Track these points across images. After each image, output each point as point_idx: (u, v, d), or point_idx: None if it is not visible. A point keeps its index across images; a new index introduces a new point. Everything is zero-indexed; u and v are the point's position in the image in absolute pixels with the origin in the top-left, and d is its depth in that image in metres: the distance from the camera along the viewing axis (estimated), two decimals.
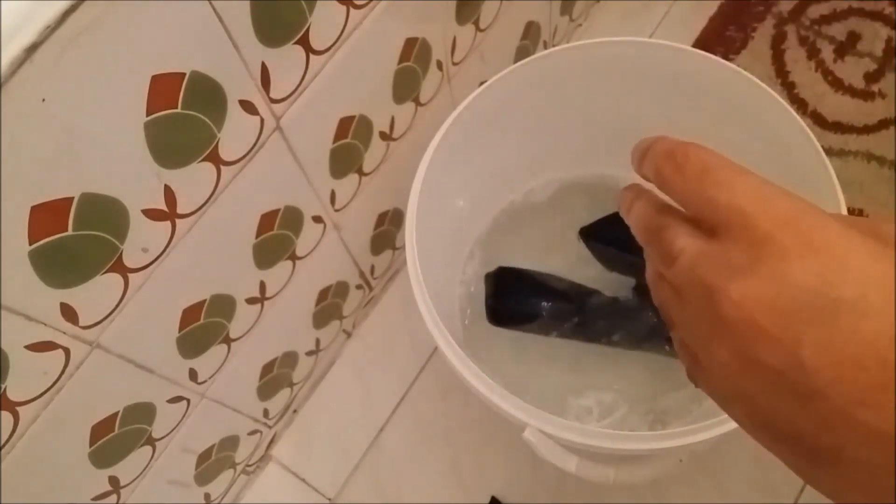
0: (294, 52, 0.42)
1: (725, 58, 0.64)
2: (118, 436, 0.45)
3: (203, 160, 0.40)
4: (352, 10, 0.45)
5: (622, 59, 0.56)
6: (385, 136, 0.57)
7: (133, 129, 0.35)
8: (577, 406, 0.61)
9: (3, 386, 0.35)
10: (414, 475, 0.69)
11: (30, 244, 0.33)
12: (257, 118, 0.42)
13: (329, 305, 0.65)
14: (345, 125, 0.51)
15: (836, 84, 0.81)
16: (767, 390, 0.22)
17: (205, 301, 0.47)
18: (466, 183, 0.61)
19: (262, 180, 0.46)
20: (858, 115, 0.79)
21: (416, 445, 0.70)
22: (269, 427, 0.67)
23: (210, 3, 0.35)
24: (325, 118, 0.49)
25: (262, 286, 0.53)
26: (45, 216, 0.33)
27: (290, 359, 0.64)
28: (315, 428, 0.71)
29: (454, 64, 0.61)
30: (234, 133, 0.41)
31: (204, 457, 0.58)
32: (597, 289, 0.64)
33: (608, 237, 0.64)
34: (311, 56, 0.44)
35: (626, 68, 0.56)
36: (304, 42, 0.42)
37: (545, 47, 0.78)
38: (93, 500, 0.47)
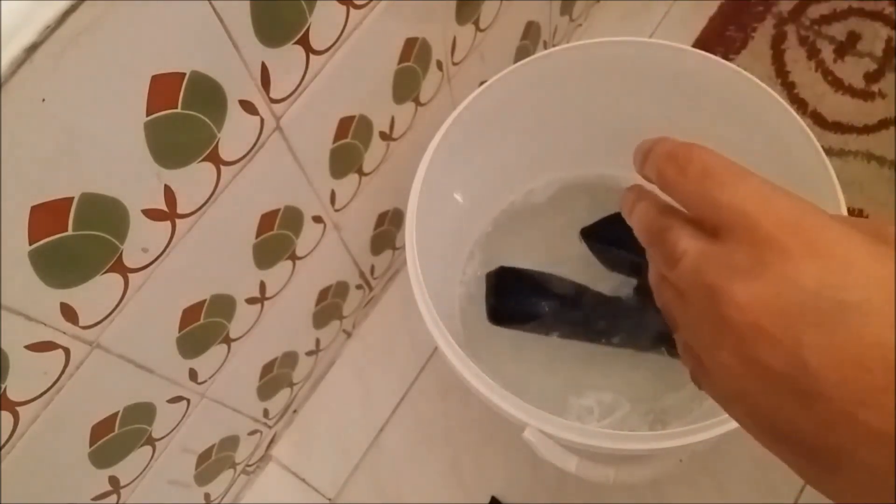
0: (294, 52, 0.42)
1: (725, 58, 0.64)
2: (118, 436, 0.45)
3: (203, 160, 0.40)
4: (352, 10, 0.45)
5: (622, 59, 0.56)
6: (385, 136, 0.57)
7: (133, 129, 0.35)
8: (578, 406, 0.61)
9: (3, 386, 0.35)
10: (414, 475, 0.69)
11: (30, 244, 0.33)
12: (257, 118, 0.42)
13: (329, 305, 0.65)
14: (345, 125, 0.51)
15: (836, 84, 0.81)
16: (770, 392, 0.22)
17: (205, 301, 0.47)
18: (466, 183, 0.61)
19: (262, 180, 0.46)
20: (858, 115, 0.79)
21: (416, 445, 0.70)
22: (269, 427, 0.67)
23: (210, 3, 0.35)
24: (325, 118, 0.49)
25: (262, 286, 0.53)
26: (45, 216, 0.33)
27: (290, 359, 0.64)
28: (315, 428, 0.71)
29: (454, 64, 0.61)
30: (234, 133, 0.41)
31: (204, 457, 0.58)
32: (598, 289, 0.64)
33: (609, 237, 0.64)
34: (311, 56, 0.44)
35: (626, 68, 0.56)
36: (304, 42, 0.42)
37: (545, 47, 0.78)
38: (93, 500, 0.47)
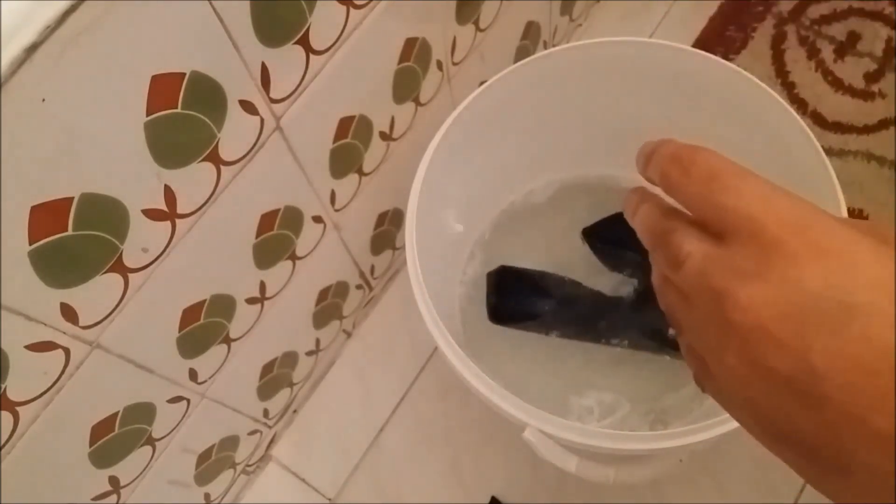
0: (294, 52, 0.42)
1: (725, 58, 0.64)
2: (118, 436, 0.45)
3: (203, 160, 0.40)
4: (352, 10, 0.45)
5: (622, 59, 0.56)
6: (385, 136, 0.57)
7: (133, 129, 0.35)
8: (579, 406, 0.61)
9: (3, 386, 0.35)
10: (414, 475, 0.69)
11: (30, 244, 0.33)
12: (257, 118, 0.42)
13: (329, 305, 0.65)
14: (345, 125, 0.51)
15: (836, 84, 0.81)
16: (776, 396, 0.22)
17: (205, 301, 0.47)
18: (467, 183, 0.61)
19: (262, 180, 0.46)
20: (858, 115, 0.79)
21: (416, 445, 0.70)
22: (269, 427, 0.67)
23: (210, 3, 0.35)
24: (325, 118, 0.49)
25: (262, 286, 0.53)
26: (45, 216, 0.33)
27: (290, 359, 0.64)
28: (315, 428, 0.71)
29: (454, 64, 0.61)
30: (234, 133, 0.41)
31: (204, 457, 0.58)
32: (598, 289, 0.64)
33: (611, 237, 0.64)
34: (311, 56, 0.44)
35: (626, 68, 0.56)
36: (304, 42, 0.42)
37: (545, 47, 0.78)
38: (93, 500, 0.47)
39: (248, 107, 0.41)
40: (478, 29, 0.61)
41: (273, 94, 0.42)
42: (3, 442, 0.37)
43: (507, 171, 0.66)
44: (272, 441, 0.70)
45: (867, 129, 0.79)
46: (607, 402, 0.61)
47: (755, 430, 0.24)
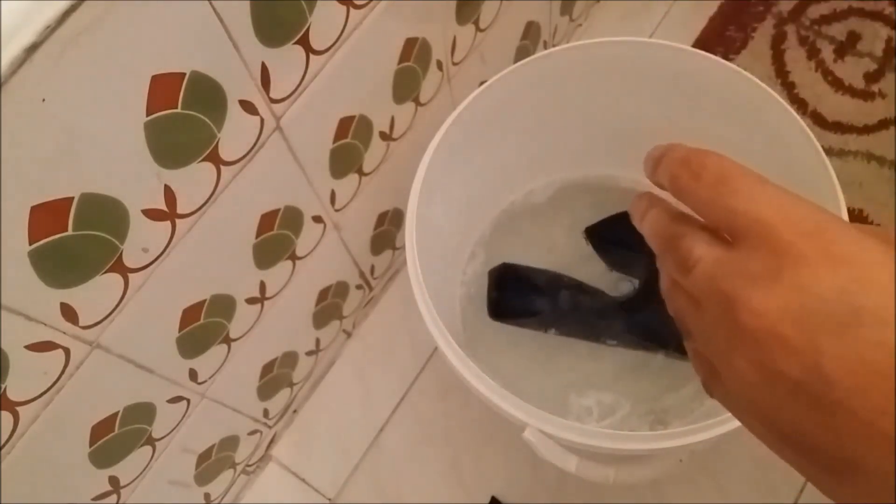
0: (294, 52, 0.42)
1: (725, 58, 0.64)
2: (118, 436, 0.45)
3: (203, 160, 0.40)
4: (352, 10, 0.45)
5: (622, 59, 0.56)
6: (385, 136, 0.57)
7: (133, 129, 0.35)
8: (578, 406, 0.61)
9: (3, 386, 0.35)
10: (414, 475, 0.69)
11: (30, 244, 0.33)
12: (257, 118, 0.42)
13: (329, 305, 0.65)
14: (345, 125, 0.51)
15: (836, 84, 0.81)
16: (787, 401, 0.22)
17: (205, 301, 0.47)
18: (467, 183, 0.61)
19: (262, 180, 0.46)
20: (858, 115, 0.79)
21: (416, 445, 0.70)
22: (269, 427, 0.67)
23: (210, 3, 0.35)
24: (325, 118, 0.49)
25: (262, 286, 0.53)
26: (45, 216, 0.33)
27: (290, 359, 0.64)
28: (315, 428, 0.71)
29: (454, 64, 0.61)
30: (234, 133, 0.41)
31: (204, 457, 0.58)
32: (599, 288, 0.64)
33: (613, 237, 0.64)
34: (311, 56, 0.44)
35: (626, 68, 0.56)
36: (304, 42, 0.42)
37: (545, 47, 0.78)
38: (93, 500, 0.47)
39: (248, 107, 0.41)
40: (478, 29, 0.61)
41: (273, 94, 0.42)
42: (3, 442, 0.37)
43: (507, 171, 0.66)
44: (272, 441, 0.70)
45: (867, 129, 0.79)
46: (607, 402, 0.61)
47: (764, 435, 0.24)
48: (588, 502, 0.65)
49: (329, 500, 0.69)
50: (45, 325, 0.36)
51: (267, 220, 0.49)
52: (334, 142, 0.51)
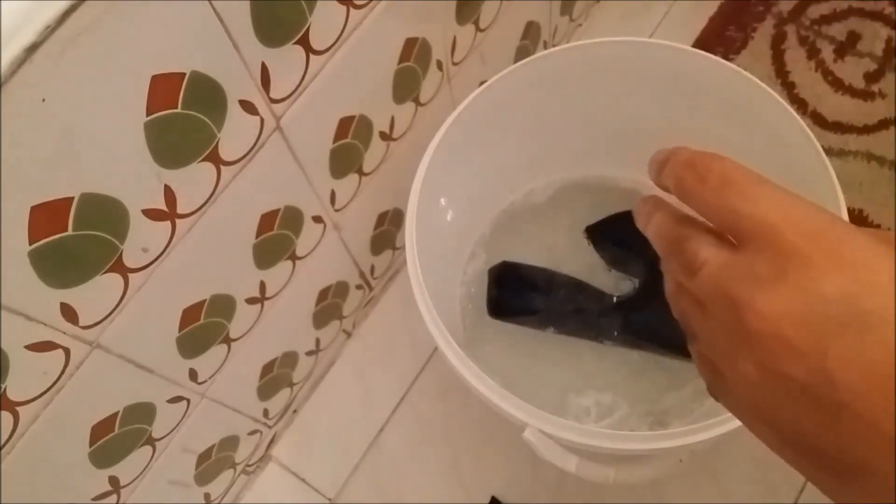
0: (294, 52, 0.42)
1: (725, 58, 0.64)
2: (118, 436, 0.45)
3: (203, 160, 0.40)
4: (352, 10, 0.45)
5: (622, 59, 0.56)
6: (385, 136, 0.57)
7: (133, 129, 0.35)
8: (577, 405, 0.61)
9: (3, 386, 0.35)
10: (414, 475, 0.69)
11: (30, 244, 0.33)
12: (257, 118, 0.42)
13: (329, 305, 0.65)
14: (345, 125, 0.51)
15: (836, 84, 0.81)
16: (793, 404, 0.22)
17: (205, 301, 0.47)
18: (467, 183, 0.61)
19: (262, 180, 0.46)
20: (858, 115, 0.79)
21: (416, 445, 0.70)
22: (269, 427, 0.67)
23: (210, 3, 0.35)
24: (325, 118, 0.49)
25: (262, 286, 0.53)
26: (45, 216, 0.33)
27: (290, 359, 0.64)
28: (315, 428, 0.71)
29: (454, 64, 0.61)
30: (234, 133, 0.41)
31: (204, 457, 0.58)
32: (599, 287, 0.64)
33: (614, 236, 0.64)
34: (311, 56, 0.44)
35: (626, 68, 0.56)
36: (304, 42, 0.42)
37: (545, 47, 0.78)
38: (93, 500, 0.47)
39: (248, 107, 0.41)
40: (478, 29, 0.61)
41: (273, 94, 0.42)
42: (3, 442, 0.37)
43: (507, 171, 0.66)
44: (272, 441, 0.70)
45: (867, 129, 0.79)
46: (605, 402, 0.61)
47: (767, 437, 0.24)
48: (588, 502, 0.65)
49: (329, 500, 0.69)
50: (45, 325, 0.36)
51: (267, 220, 0.49)
52: (334, 142, 0.51)
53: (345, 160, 0.54)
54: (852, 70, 0.81)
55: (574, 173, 0.69)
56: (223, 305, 0.49)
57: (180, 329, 0.46)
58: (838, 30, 0.83)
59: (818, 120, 0.79)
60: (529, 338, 0.64)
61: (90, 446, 0.44)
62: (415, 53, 0.54)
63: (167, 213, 0.40)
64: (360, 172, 0.57)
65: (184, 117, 0.37)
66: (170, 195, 0.39)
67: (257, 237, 0.49)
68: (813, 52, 0.83)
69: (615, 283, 0.65)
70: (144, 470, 0.51)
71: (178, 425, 0.51)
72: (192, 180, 0.40)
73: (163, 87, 0.35)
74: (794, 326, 0.22)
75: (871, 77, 0.81)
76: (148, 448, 0.50)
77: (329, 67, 0.46)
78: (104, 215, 0.36)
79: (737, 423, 0.42)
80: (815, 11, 0.85)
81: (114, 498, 0.49)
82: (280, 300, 0.56)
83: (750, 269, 0.24)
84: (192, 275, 0.45)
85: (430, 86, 0.59)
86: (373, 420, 0.71)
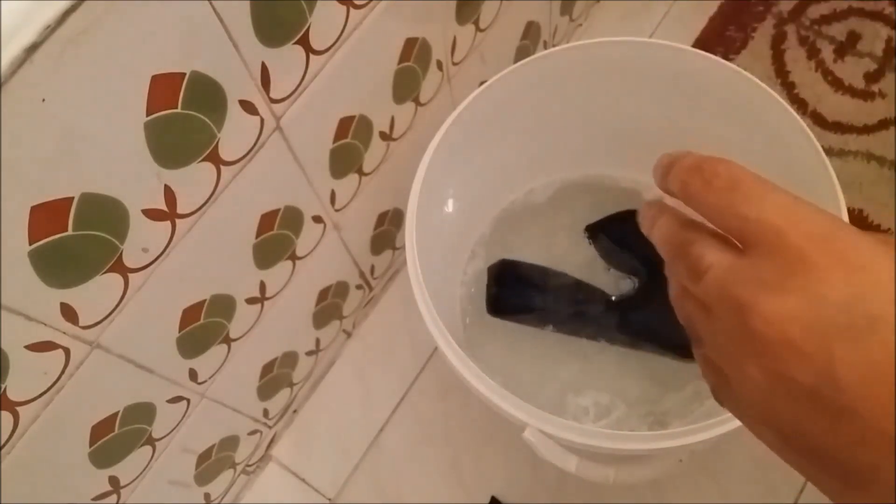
0: (294, 52, 0.42)
1: (725, 58, 0.64)
2: (118, 436, 0.45)
3: (203, 160, 0.40)
4: (352, 10, 0.45)
5: (622, 59, 0.56)
6: (385, 136, 0.57)
7: (133, 129, 0.35)
8: (575, 405, 0.61)
9: (3, 386, 0.35)
10: (414, 475, 0.69)
11: (30, 244, 0.33)
12: (257, 118, 0.42)
13: (329, 305, 0.65)
14: (345, 125, 0.51)
15: (836, 84, 0.81)
16: (798, 407, 0.22)
17: (205, 301, 0.47)
18: (466, 183, 0.61)
19: (262, 180, 0.46)
20: (858, 115, 0.79)
21: (416, 445, 0.70)
22: (269, 427, 0.67)
23: (210, 3, 0.35)
24: (325, 118, 0.49)
25: (262, 286, 0.53)
26: (45, 216, 0.33)
27: (290, 359, 0.64)
28: (315, 428, 0.71)
29: (454, 64, 0.61)
30: (234, 133, 0.41)
31: (204, 457, 0.58)
32: (599, 287, 0.64)
33: (614, 235, 0.64)
34: (311, 56, 0.44)
35: (626, 68, 0.56)
36: (304, 42, 0.42)
37: (545, 47, 0.78)
38: (93, 500, 0.47)
39: (248, 107, 0.41)
40: (478, 29, 0.61)
41: (273, 94, 0.42)
42: (3, 442, 0.37)
43: (507, 171, 0.66)
44: (272, 441, 0.70)
45: (867, 129, 0.79)
46: (603, 403, 0.61)
47: (773, 442, 0.24)
48: (588, 502, 0.65)
49: (329, 500, 0.69)
50: (45, 325, 0.36)
51: (267, 220, 0.49)
52: (334, 142, 0.51)
53: (345, 160, 0.54)
54: (852, 70, 0.81)
55: (574, 173, 0.69)
56: (223, 305, 0.49)
57: (180, 329, 0.46)
58: (838, 30, 0.83)
59: (818, 120, 0.79)
60: (529, 337, 0.64)
61: (90, 446, 0.44)
62: (415, 53, 0.54)
63: (167, 213, 0.40)
64: (360, 172, 0.57)
65: (184, 117, 0.37)
66: (170, 195, 0.39)
67: (257, 237, 0.49)
68: (813, 52, 0.83)
69: (615, 283, 0.65)
70: (144, 470, 0.51)
71: (178, 425, 0.51)
72: (192, 180, 0.40)
73: (163, 87, 0.35)
74: (800, 330, 0.22)
75: (871, 77, 0.81)
76: (148, 448, 0.50)
77: (329, 67, 0.46)
78: (104, 215, 0.36)
79: (737, 423, 0.42)
80: (815, 11, 0.85)
81: (114, 498, 0.49)
82: (280, 300, 0.56)
83: (756, 273, 0.24)
84: (192, 275, 0.45)
85: (430, 86, 0.59)
86: (373, 420, 0.71)
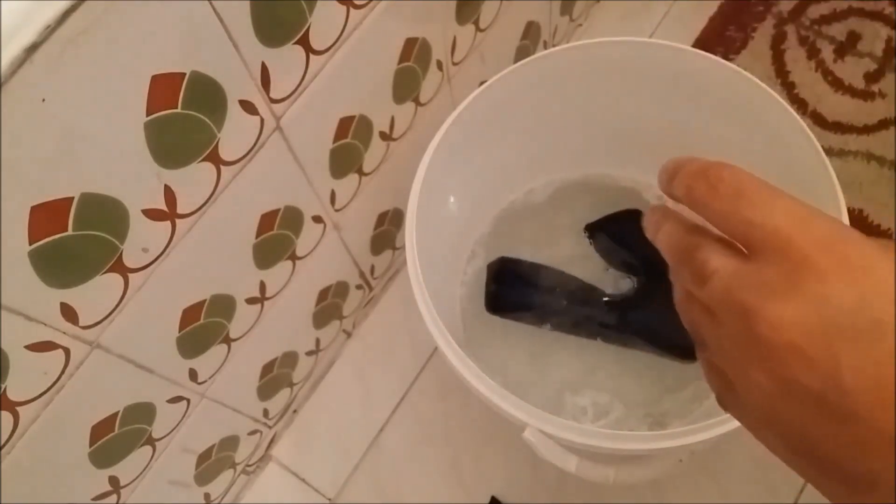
0: (294, 52, 0.42)
1: (725, 58, 0.64)
2: (118, 436, 0.45)
3: (203, 160, 0.40)
4: (352, 10, 0.45)
5: (622, 59, 0.56)
6: (385, 136, 0.57)
7: (133, 129, 0.35)
8: (573, 405, 0.61)
9: (3, 386, 0.35)
10: (414, 475, 0.69)
11: (30, 244, 0.33)
12: (257, 118, 0.42)
13: (329, 305, 0.65)
14: (345, 125, 0.51)
15: (836, 84, 0.81)
16: (805, 414, 0.22)
17: (205, 301, 0.47)
18: (466, 183, 0.61)
19: (262, 180, 0.46)
20: (858, 115, 0.79)
21: (416, 445, 0.70)
22: (269, 427, 0.67)
23: (210, 3, 0.35)
24: (325, 118, 0.49)
25: (262, 286, 0.53)
26: (45, 216, 0.33)
27: (290, 359, 0.64)
28: (315, 428, 0.71)
29: (454, 64, 0.61)
30: (234, 133, 0.41)
31: (204, 457, 0.58)
32: (598, 286, 0.64)
33: (614, 234, 0.64)
34: (311, 56, 0.44)
35: (626, 68, 0.56)
36: (304, 42, 0.42)
37: (545, 47, 0.78)
38: (93, 500, 0.47)
39: (248, 107, 0.41)
40: (478, 29, 0.61)
41: (273, 94, 0.42)
42: (3, 442, 0.37)
43: (507, 171, 0.66)
44: (272, 441, 0.70)
45: (867, 129, 0.79)
46: (602, 403, 0.61)
47: (777, 447, 0.24)
48: (588, 502, 0.65)
49: (329, 500, 0.69)
50: (45, 325, 0.36)
51: (267, 220, 0.49)
52: (334, 142, 0.51)
53: (345, 160, 0.54)
54: (852, 70, 0.81)
55: (574, 173, 0.69)
56: (223, 305, 0.49)
57: (180, 329, 0.46)
58: (838, 30, 0.83)
59: (818, 120, 0.79)
60: (529, 337, 0.64)
61: (90, 446, 0.44)
62: (415, 53, 0.54)
63: (167, 213, 0.40)
64: (360, 172, 0.57)
65: (184, 117, 0.37)
66: (170, 195, 0.39)
67: (257, 237, 0.49)
68: (813, 52, 0.83)
69: (614, 282, 0.65)
70: (144, 470, 0.51)
71: (178, 425, 0.51)
72: (192, 180, 0.40)
73: (163, 87, 0.35)
74: (805, 336, 0.22)
75: (871, 77, 0.81)
76: (148, 448, 0.50)
77: (329, 67, 0.46)
78: (104, 215, 0.36)
79: (736, 423, 0.42)
80: (815, 11, 0.85)
81: (114, 498, 0.49)
82: (280, 300, 0.56)
83: (761, 278, 0.23)
84: (192, 275, 0.45)
85: (430, 86, 0.59)
86: (373, 420, 0.71)
